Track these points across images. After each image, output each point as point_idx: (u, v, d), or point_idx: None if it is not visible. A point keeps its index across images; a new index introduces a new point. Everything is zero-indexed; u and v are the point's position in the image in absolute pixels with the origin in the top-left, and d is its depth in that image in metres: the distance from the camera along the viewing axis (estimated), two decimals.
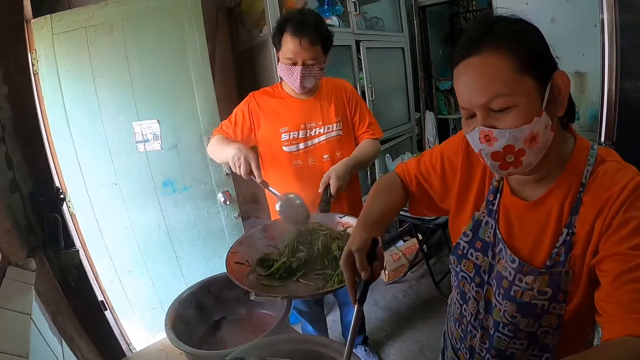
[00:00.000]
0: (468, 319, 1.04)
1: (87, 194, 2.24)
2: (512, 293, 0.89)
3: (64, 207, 2.16)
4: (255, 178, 1.55)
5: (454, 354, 1.15)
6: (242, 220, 2.53)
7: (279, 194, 1.57)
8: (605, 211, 0.77)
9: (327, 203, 1.72)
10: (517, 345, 0.93)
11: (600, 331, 0.75)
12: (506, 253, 0.92)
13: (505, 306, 0.91)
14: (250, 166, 1.55)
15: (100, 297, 2.23)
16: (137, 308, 2.43)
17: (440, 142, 1.34)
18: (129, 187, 2.30)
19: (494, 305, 0.96)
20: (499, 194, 0.97)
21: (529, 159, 0.80)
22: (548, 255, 0.86)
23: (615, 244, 0.75)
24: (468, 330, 1.05)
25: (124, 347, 2.33)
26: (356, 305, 0.88)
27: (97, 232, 2.28)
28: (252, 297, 1.16)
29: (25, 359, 0.78)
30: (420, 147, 4.49)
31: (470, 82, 0.79)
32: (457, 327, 1.11)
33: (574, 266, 0.82)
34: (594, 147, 0.86)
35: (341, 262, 0.93)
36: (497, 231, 0.95)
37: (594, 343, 1.01)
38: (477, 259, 0.99)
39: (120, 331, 2.38)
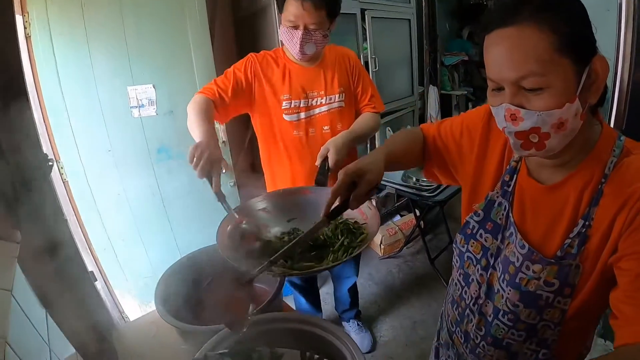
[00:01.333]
0: (467, 302, 1.02)
1: (80, 161, 2.18)
2: (517, 280, 0.86)
3: (57, 174, 2.12)
4: (212, 185, 1.31)
5: (449, 336, 1.14)
6: (239, 189, 2.50)
7: (232, 211, 1.36)
8: (629, 206, 0.72)
9: (325, 176, 1.65)
10: (515, 336, 0.90)
11: (599, 334, 0.72)
12: (516, 237, 0.88)
13: (508, 293, 0.88)
14: (210, 169, 1.31)
15: (90, 268, 2.20)
16: (130, 277, 2.41)
17: (442, 118, 1.30)
18: (123, 154, 2.25)
19: (496, 290, 0.93)
20: (515, 175, 0.93)
21: (552, 143, 0.74)
22: (560, 245, 0.82)
23: (638, 241, 0.70)
24: (465, 314, 1.02)
25: (116, 316, 2.33)
26: (323, 217, 0.99)
27: (90, 199, 2.24)
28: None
29: (3, 340, 0.74)
30: (422, 122, 4.44)
31: (503, 54, 0.73)
32: (454, 309, 1.09)
33: (586, 261, 0.78)
34: (621, 138, 0.81)
35: (345, 172, 0.97)
36: (510, 214, 0.91)
37: (592, 345, 0.98)
38: (486, 240, 0.95)
39: (114, 300, 2.38)
